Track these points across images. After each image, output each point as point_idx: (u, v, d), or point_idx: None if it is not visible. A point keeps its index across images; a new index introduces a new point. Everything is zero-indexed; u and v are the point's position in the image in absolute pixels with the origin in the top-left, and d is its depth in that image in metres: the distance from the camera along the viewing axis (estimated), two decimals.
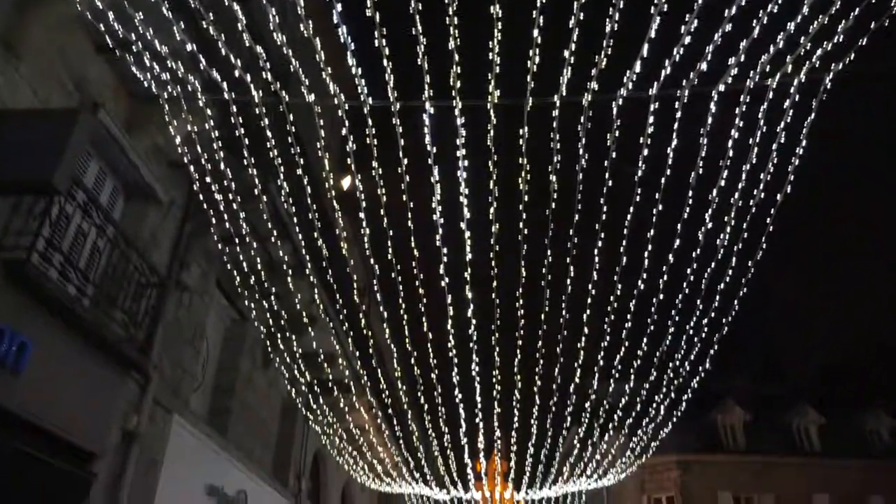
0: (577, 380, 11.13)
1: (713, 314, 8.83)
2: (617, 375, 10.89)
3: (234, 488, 9.83)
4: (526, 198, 6.17)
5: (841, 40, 5.00)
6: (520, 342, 9.50)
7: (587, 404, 13.13)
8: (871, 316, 65.07)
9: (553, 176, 6.02)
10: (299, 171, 7.66)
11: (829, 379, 36.84)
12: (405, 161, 5.75)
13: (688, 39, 4.92)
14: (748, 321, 37.51)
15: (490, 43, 4.91)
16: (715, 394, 26.65)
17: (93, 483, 6.35)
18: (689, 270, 7.67)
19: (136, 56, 6.30)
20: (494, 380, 10.83)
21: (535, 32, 4.69)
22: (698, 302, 8.48)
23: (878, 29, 4.90)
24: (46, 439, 5.71)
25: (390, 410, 16.34)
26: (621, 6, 4.64)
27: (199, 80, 6.34)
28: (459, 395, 11.75)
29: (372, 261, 7.77)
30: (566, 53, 4.93)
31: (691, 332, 9.46)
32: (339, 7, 4.81)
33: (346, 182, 14.90)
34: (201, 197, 7.50)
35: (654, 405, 13.44)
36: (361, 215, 6.77)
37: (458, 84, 5.08)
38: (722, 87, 5.37)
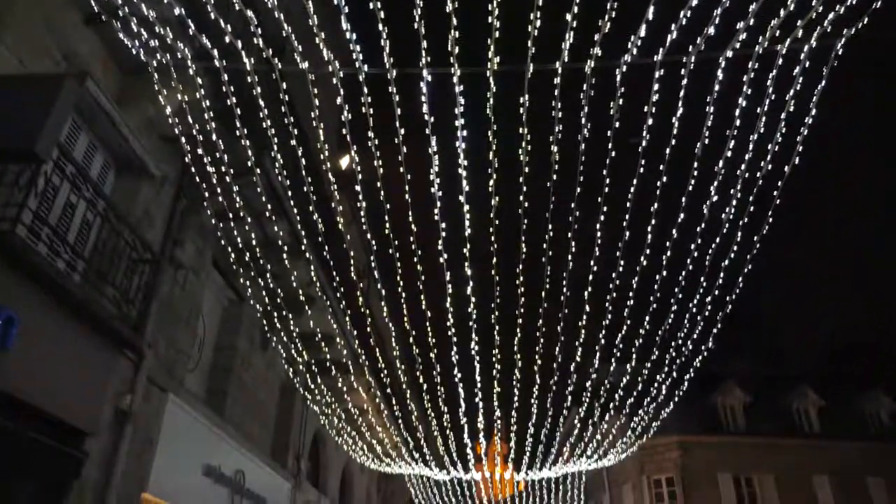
0: (577, 359, 11.02)
1: (717, 291, 8.69)
2: (618, 355, 10.78)
3: (231, 468, 9.78)
4: (526, 169, 6.01)
5: (854, 3, 4.82)
6: (520, 320, 9.37)
7: (588, 384, 13.04)
8: (874, 299, 64.93)
9: (554, 146, 5.85)
10: (293, 143, 7.48)
11: (828, 361, 36.95)
12: (402, 131, 5.60)
13: (695, 2, 4.75)
14: (750, 302, 37.51)
15: (489, 6, 4.75)
16: (716, 376, 26.72)
17: (85, 462, 6.25)
18: (692, 246, 7.51)
19: (124, 22, 6.10)
20: (494, 359, 10.71)
21: None
22: (702, 279, 8.33)
23: None
24: (35, 417, 5.58)
25: (389, 391, 16.30)
26: None
27: (188, 47, 6.15)
28: (459, 375, 11.65)
29: (369, 236, 7.62)
30: (568, 17, 4.77)
31: (694, 310, 9.34)
32: None
33: (344, 161, 14.74)
34: (194, 170, 7.33)
35: (656, 386, 13.36)
36: (358, 188, 6.60)
37: (457, 50, 4.92)
38: (730, 53, 5.19)
